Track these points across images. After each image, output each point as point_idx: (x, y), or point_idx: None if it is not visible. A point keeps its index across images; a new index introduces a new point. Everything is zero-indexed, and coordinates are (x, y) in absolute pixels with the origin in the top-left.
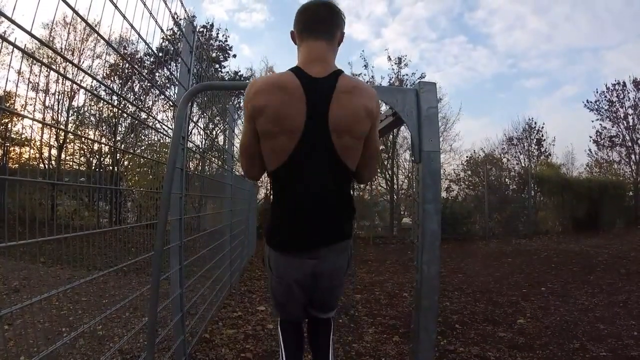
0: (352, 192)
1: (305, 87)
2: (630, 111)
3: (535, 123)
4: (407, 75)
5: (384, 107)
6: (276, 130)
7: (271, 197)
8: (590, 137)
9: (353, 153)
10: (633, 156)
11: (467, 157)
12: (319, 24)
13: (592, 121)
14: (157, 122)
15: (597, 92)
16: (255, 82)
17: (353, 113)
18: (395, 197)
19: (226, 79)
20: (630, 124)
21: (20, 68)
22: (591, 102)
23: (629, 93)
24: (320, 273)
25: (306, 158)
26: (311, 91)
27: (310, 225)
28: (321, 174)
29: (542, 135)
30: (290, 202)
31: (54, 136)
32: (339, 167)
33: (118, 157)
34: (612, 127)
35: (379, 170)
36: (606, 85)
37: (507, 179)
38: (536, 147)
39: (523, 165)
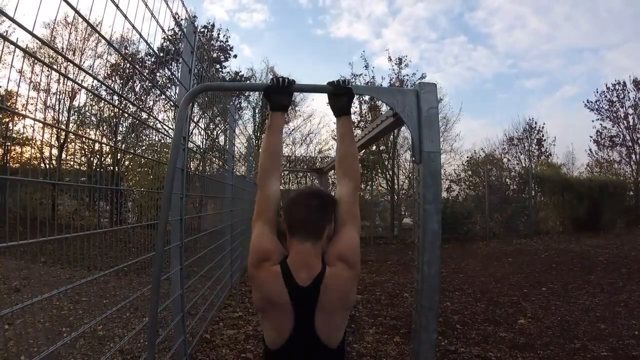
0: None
1: (292, 296)
2: (630, 111)
3: (536, 123)
4: (407, 75)
5: (384, 108)
6: (267, 311)
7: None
8: (591, 137)
9: (337, 335)
10: (633, 156)
11: (467, 157)
12: (307, 226)
13: (593, 121)
14: (157, 122)
15: (597, 92)
16: (251, 258)
17: (338, 298)
18: (395, 197)
19: (227, 79)
20: (631, 123)
21: (22, 67)
22: (591, 102)
23: (629, 93)
24: None
25: (297, 351)
26: (298, 302)
27: None
28: None
29: (543, 135)
30: None
31: (55, 136)
32: (327, 353)
33: (119, 157)
34: (613, 127)
35: (379, 170)
36: (606, 85)
37: (507, 179)
38: (536, 147)
39: (523, 165)
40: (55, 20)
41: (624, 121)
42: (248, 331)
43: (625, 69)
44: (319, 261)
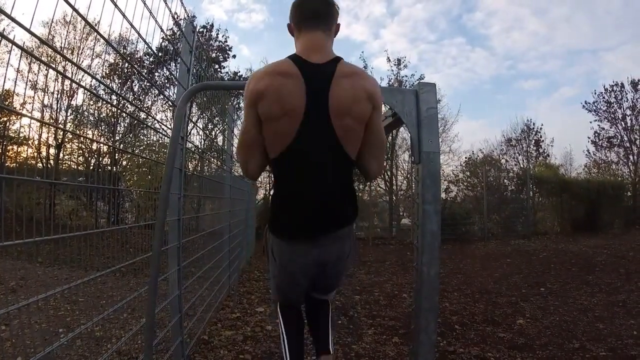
0: (352, 178)
1: (305, 72)
2: (628, 112)
3: (534, 124)
4: (406, 76)
5: (383, 108)
6: (278, 112)
7: (271, 189)
8: (589, 138)
9: (353, 137)
10: (631, 157)
11: (465, 158)
12: (316, 15)
13: (591, 122)
14: (156, 122)
15: (595, 93)
16: (255, 72)
17: (353, 95)
18: (394, 198)
19: (226, 79)
20: (628, 124)
21: (19, 66)
22: (589, 103)
23: (627, 94)
24: (325, 261)
25: (308, 144)
26: (311, 76)
27: (313, 214)
28: (322, 161)
29: (541, 136)
30: (293, 191)
31: (53, 135)
32: (340, 153)
33: (117, 157)
34: (610, 128)
35: None
36: (604, 87)
37: (505, 180)
38: (535, 148)
39: (522, 166)
40: (52, 18)
41: (622, 122)
42: (246, 332)
43: (623, 70)
44: (331, 50)
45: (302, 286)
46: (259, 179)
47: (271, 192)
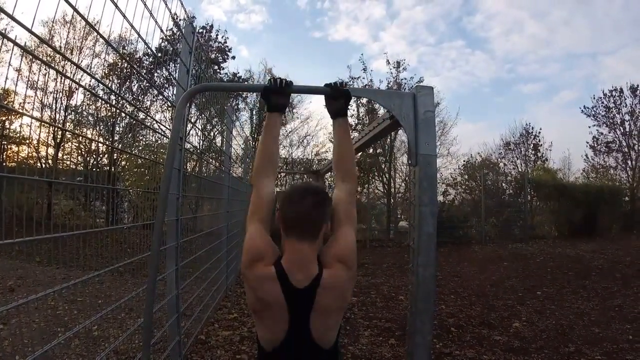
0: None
1: (288, 299)
2: (627, 117)
3: (533, 128)
4: (405, 79)
5: (382, 111)
6: (262, 312)
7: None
8: (587, 142)
9: (330, 336)
10: (629, 162)
11: (464, 161)
12: (303, 225)
13: (589, 127)
14: (155, 122)
15: (594, 98)
16: (249, 260)
17: (334, 300)
18: (392, 200)
19: (225, 80)
20: (627, 130)
21: (20, 65)
22: (588, 107)
23: (625, 99)
24: None
25: (291, 351)
26: (294, 304)
27: None
28: None
29: (539, 141)
30: None
31: (52, 135)
32: (321, 353)
33: (115, 157)
34: (609, 132)
35: (376, 174)
36: (603, 92)
37: (503, 184)
38: (533, 152)
39: (520, 170)
40: (54, 18)
41: (620, 127)
42: (243, 333)
43: (623, 75)
44: (315, 262)
45: None
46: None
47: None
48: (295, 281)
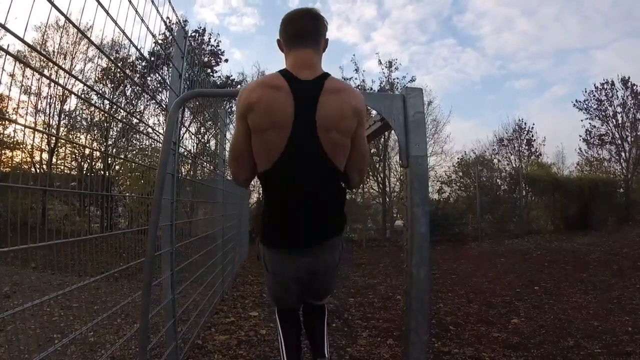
0: (342, 189)
1: (294, 87)
2: (619, 109)
3: (525, 124)
4: (397, 78)
5: (374, 112)
6: (266, 125)
7: (262, 198)
8: (580, 136)
9: (340, 150)
10: (623, 154)
11: (458, 158)
12: (305, 33)
13: (582, 120)
14: (148, 127)
15: (585, 91)
16: (247, 85)
17: (339, 110)
18: (387, 199)
19: (218, 83)
20: (620, 122)
21: (13, 71)
22: (580, 101)
23: (617, 92)
24: (315, 269)
25: (296, 158)
26: (299, 91)
27: (303, 225)
28: (310, 174)
29: (532, 136)
30: (282, 203)
31: (45, 140)
32: (327, 165)
33: (109, 162)
34: (602, 125)
35: (370, 173)
36: (595, 85)
37: (498, 180)
38: (526, 147)
39: (514, 165)
40: (46, 23)
41: (613, 120)
42: (240, 337)
43: (613, 69)
44: (320, 66)
45: (295, 293)
46: (252, 182)
47: (262, 201)
48: (302, 76)
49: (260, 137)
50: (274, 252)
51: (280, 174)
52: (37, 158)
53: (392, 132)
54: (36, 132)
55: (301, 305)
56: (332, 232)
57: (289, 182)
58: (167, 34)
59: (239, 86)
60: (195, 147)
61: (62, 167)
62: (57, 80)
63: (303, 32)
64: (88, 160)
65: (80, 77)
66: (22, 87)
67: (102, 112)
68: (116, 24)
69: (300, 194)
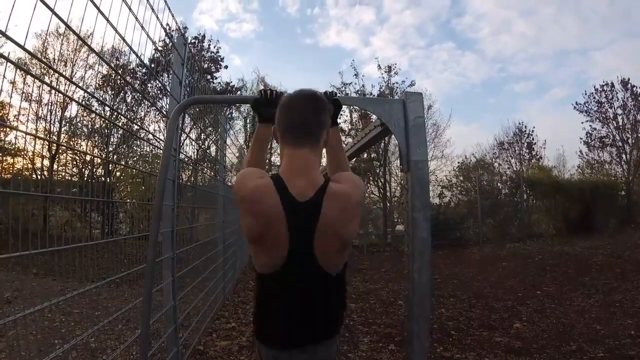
0: (338, 292)
1: (288, 212)
2: (619, 111)
3: (526, 127)
4: (397, 83)
5: (374, 117)
6: (260, 236)
7: (255, 293)
8: (581, 138)
9: (335, 261)
10: (624, 156)
11: (458, 163)
12: (303, 128)
13: (582, 123)
14: (149, 133)
15: (585, 94)
16: (240, 179)
17: (339, 231)
18: (388, 204)
19: (218, 90)
20: (620, 123)
21: (14, 79)
22: (580, 103)
23: (617, 93)
24: None
25: (292, 272)
26: (295, 218)
27: (300, 329)
28: (307, 286)
29: (533, 139)
30: (279, 308)
31: (46, 147)
32: (323, 276)
33: (110, 169)
34: (602, 127)
35: (371, 178)
36: (595, 87)
37: (499, 184)
38: (527, 150)
39: (515, 169)
40: (47, 31)
41: (613, 122)
42: (242, 342)
43: (613, 70)
44: (318, 170)
45: None
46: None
47: (255, 294)
48: (296, 189)
49: (255, 246)
50: (269, 348)
51: (275, 284)
52: (38, 165)
53: (392, 137)
54: (37, 139)
55: None
56: (331, 332)
57: (284, 291)
58: (167, 40)
59: (239, 92)
60: (195, 153)
61: (63, 174)
62: (57, 87)
63: (300, 125)
64: (89, 167)
65: (80, 85)
66: (23, 94)
67: (103, 119)
68: (116, 31)
69: (297, 303)
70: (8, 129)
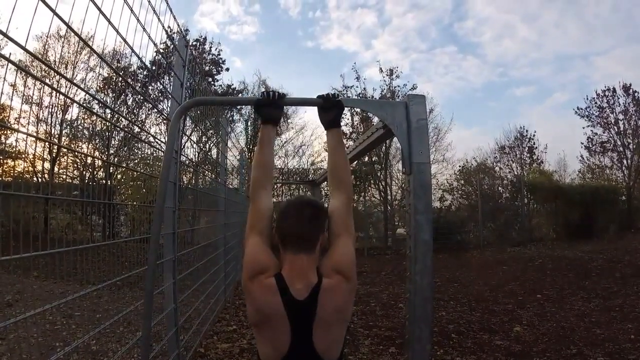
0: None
1: (289, 309)
2: (620, 116)
3: (527, 131)
4: (399, 86)
5: (375, 119)
6: (263, 326)
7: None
8: (582, 143)
9: (337, 347)
10: (625, 161)
11: (459, 166)
12: (300, 238)
13: (583, 127)
14: (150, 135)
15: (587, 98)
16: (250, 270)
17: (337, 316)
18: (389, 207)
19: (219, 92)
20: (621, 129)
21: (15, 81)
22: (581, 108)
23: (619, 99)
24: None
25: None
26: (295, 316)
27: None
28: None
29: (534, 143)
30: None
31: (47, 149)
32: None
33: (111, 171)
34: (603, 132)
35: (372, 181)
36: (596, 92)
37: (500, 188)
38: (528, 154)
39: (515, 173)
40: (48, 33)
41: (615, 127)
42: (242, 345)
43: (615, 75)
44: (314, 272)
45: None
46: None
47: None
48: (296, 291)
49: (258, 333)
50: None
51: None
52: (39, 167)
53: (394, 140)
54: (38, 141)
55: None
56: None
57: None
58: (169, 42)
59: (240, 95)
60: (196, 156)
61: (64, 176)
62: (58, 89)
63: (296, 235)
64: (90, 169)
65: (81, 86)
66: (24, 96)
67: (104, 121)
68: (118, 32)
69: None
70: (9, 131)
